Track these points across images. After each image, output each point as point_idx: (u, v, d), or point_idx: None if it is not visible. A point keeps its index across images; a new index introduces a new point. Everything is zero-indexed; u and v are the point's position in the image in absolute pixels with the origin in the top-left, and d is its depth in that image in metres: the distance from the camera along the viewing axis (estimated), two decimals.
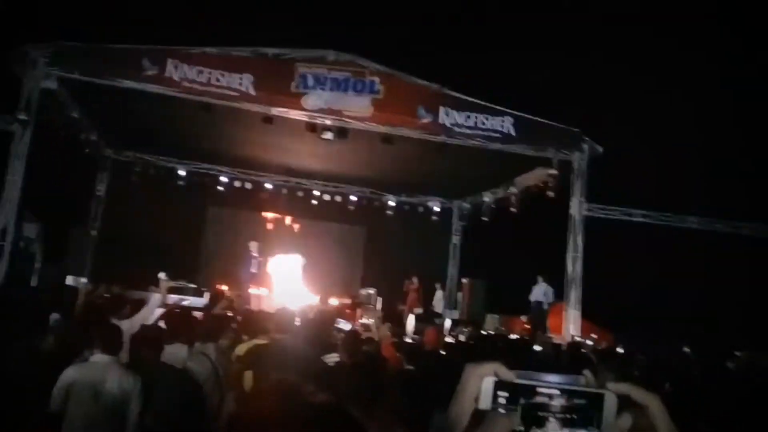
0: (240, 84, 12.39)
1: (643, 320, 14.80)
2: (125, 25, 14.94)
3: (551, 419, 0.83)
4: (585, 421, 0.84)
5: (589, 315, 13.96)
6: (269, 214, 18.49)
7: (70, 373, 3.68)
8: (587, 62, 19.01)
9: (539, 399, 0.84)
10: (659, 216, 14.66)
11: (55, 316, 4.80)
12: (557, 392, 0.84)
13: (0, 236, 11.23)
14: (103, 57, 11.99)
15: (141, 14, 16.34)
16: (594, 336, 14.01)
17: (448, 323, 14.67)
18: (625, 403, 0.85)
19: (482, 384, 0.83)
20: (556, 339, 12.76)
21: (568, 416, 0.83)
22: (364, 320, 12.68)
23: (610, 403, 0.84)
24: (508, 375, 0.84)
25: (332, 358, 4.80)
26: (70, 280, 11.87)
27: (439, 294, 17.26)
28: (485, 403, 0.83)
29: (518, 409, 0.83)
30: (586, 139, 13.81)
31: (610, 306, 15.22)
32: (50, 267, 13.09)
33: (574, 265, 13.67)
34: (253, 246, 14.81)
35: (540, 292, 14.61)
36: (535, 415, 0.83)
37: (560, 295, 13.90)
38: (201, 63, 12.30)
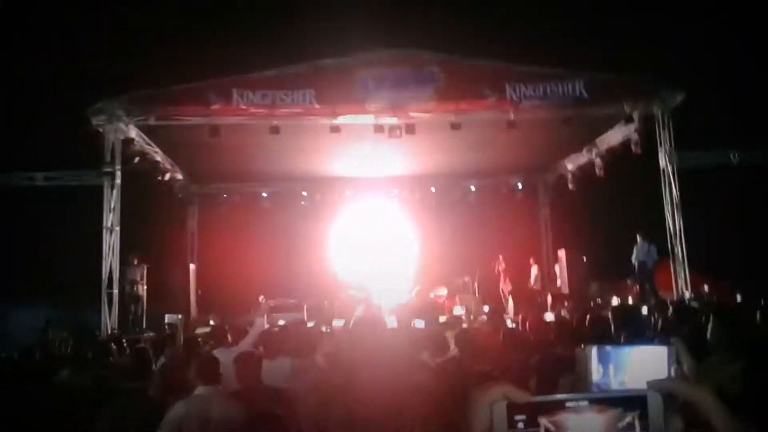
0: (303, 99, 12.58)
1: (756, 267, 13.84)
2: (186, 63, 15.47)
3: None
4: (628, 428, 0.73)
5: (698, 268, 13.24)
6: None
7: (177, 410, 3.80)
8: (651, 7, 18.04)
9: (564, 415, 0.73)
10: (756, 155, 13.67)
11: (161, 359, 5.01)
12: (585, 403, 0.73)
13: (107, 284, 11.90)
14: (172, 98, 12.51)
15: (201, 51, 16.91)
16: (706, 288, 13.31)
17: (549, 299, 14.33)
18: (673, 403, 0.74)
19: (493, 411, 0.74)
20: (667, 298, 12.19)
21: (607, 428, 0.72)
22: (456, 311, 12.59)
23: (655, 404, 0.73)
24: (521, 396, 0.74)
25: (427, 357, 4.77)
26: (169, 318, 12.42)
27: (534, 270, 16.89)
28: (500, 429, 0.73)
29: (541, 429, 0.73)
30: (664, 86, 13.07)
31: (720, 257, 14.35)
32: (156, 306, 13.74)
33: (674, 219, 13.00)
34: None
35: (643, 251, 13.94)
36: None
37: (664, 251, 13.25)
38: (263, 86, 12.57)
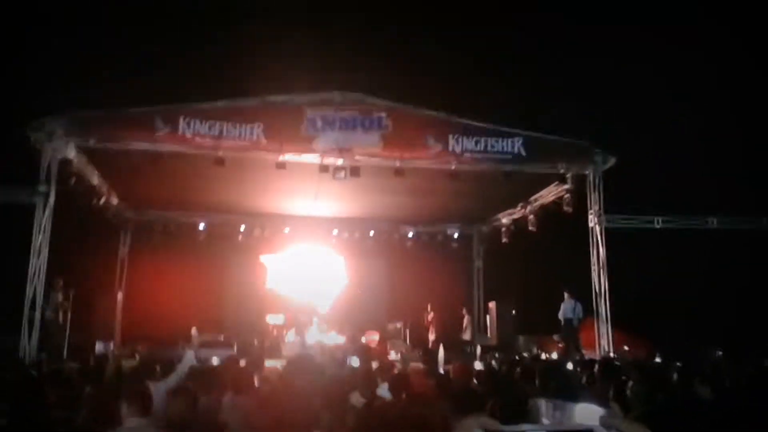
0: (251, 133, 12.62)
1: (677, 327, 14.57)
2: (136, 88, 15.32)
3: None
4: None
5: (621, 326, 13.78)
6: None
7: None
8: (591, 74, 19.09)
9: None
10: (680, 220, 14.53)
11: (88, 389, 4.87)
12: None
13: (29, 307, 11.42)
14: (116, 122, 12.29)
15: (151, 75, 16.78)
16: (626, 348, 13.83)
17: (479, 350, 14.58)
18: None
19: None
20: (589, 355, 12.62)
21: None
22: (391, 355, 12.67)
23: None
24: (494, 425, 0.89)
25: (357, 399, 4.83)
26: (99, 346, 12.01)
27: (466, 320, 17.21)
28: None
29: None
30: (598, 150, 13.79)
31: (642, 316, 15.02)
32: (80, 334, 13.24)
33: (599, 278, 13.55)
34: None
35: (569, 308, 14.46)
36: None
37: (590, 309, 13.76)
38: (212, 117, 12.54)
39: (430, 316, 16.84)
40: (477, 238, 19.87)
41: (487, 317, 17.57)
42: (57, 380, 4.93)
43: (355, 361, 9.04)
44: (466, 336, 16.80)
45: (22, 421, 4.16)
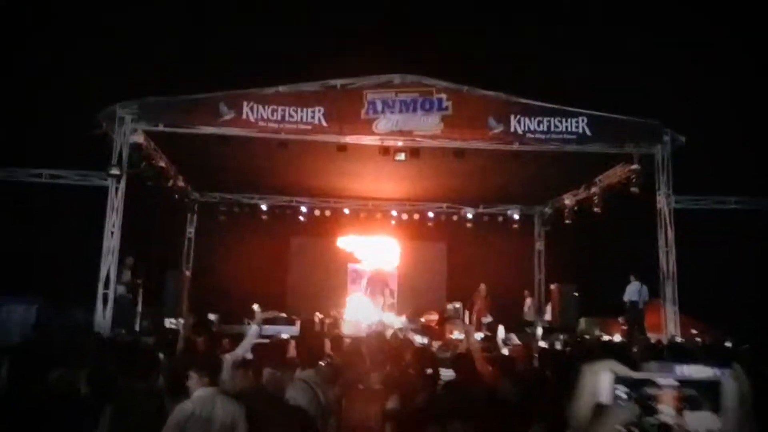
0: (312, 117, 12.78)
1: (747, 311, 14.02)
2: (201, 75, 15.71)
3: (664, 407, 0.89)
4: (701, 406, 0.89)
5: (688, 310, 13.39)
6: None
7: (183, 408, 3.90)
8: (660, 52, 18.41)
9: (653, 390, 0.90)
10: (753, 201, 13.94)
11: (163, 360, 5.09)
12: (673, 383, 0.90)
13: (104, 285, 11.96)
14: (183, 107, 12.70)
15: (215, 63, 17.16)
16: (695, 331, 13.44)
17: (539, 331, 14.43)
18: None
19: (600, 380, 0.91)
20: (655, 338, 12.33)
21: (683, 405, 0.89)
22: (454, 335, 12.70)
23: (729, 389, 0.89)
24: (624, 370, 0.91)
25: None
26: (168, 322, 12.45)
27: (528, 301, 17.03)
28: (605, 397, 0.90)
29: (634, 401, 0.89)
30: (667, 130, 13.34)
31: (710, 300, 14.53)
32: (151, 310, 13.80)
33: (667, 261, 13.17)
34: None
35: (634, 291, 14.14)
36: (647, 405, 0.89)
37: (656, 292, 13.41)
38: (274, 102, 12.77)
39: (481, 293, 16.61)
40: (539, 219, 19.58)
41: (548, 301, 17.33)
42: (135, 351, 5.16)
43: (419, 339, 9.13)
44: (528, 317, 16.64)
45: (101, 388, 4.38)
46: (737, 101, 18.00)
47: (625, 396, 0.91)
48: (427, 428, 3.70)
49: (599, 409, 0.90)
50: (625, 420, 0.89)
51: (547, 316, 16.73)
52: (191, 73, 15.74)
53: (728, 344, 10.99)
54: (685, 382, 0.91)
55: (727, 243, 15.77)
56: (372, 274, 16.18)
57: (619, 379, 0.92)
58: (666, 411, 0.90)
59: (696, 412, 0.90)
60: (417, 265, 18.46)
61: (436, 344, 10.96)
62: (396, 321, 14.94)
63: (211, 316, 13.58)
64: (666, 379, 0.91)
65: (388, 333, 10.18)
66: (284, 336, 8.53)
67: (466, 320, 15.95)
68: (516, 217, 18.72)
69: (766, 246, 15.77)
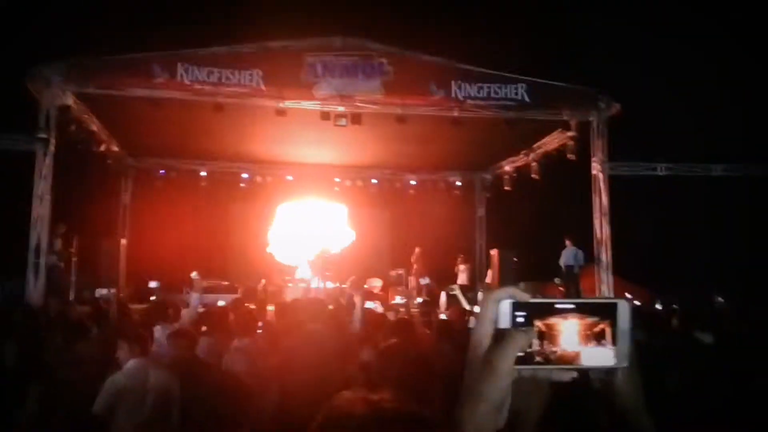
0: (250, 80, 12.47)
1: (677, 275, 14.68)
2: (133, 33, 15.05)
3: (565, 336, 0.90)
4: (600, 335, 0.90)
5: (621, 274, 13.89)
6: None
7: (116, 378, 3.81)
8: (594, 18, 18.69)
9: (554, 318, 0.90)
10: (684, 168, 14.46)
11: (95, 331, 4.96)
12: (572, 306, 0.90)
13: (35, 254, 11.52)
14: (114, 68, 12.16)
15: (148, 20, 16.46)
16: (628, 294, 13.96)
17: (479, 296, 14.71)
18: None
19: (500, 306, 0.90)
20: None
21: (584, 332, 0.90)
22: (396, 300, 12.83)
23: (623, 311, 0.91)
24: (524, 296, 0.91)
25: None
26: (101, 291, 12.13)
27: (461, 267, 17.19)
28: (504, 323, 0.90)
29: (534, 327, 0.90)
30: (602, 97, 13.62)
31: (643, 263, 15.12)
32: (84, 279, 13.39)
33: (601, 226, 13.58)
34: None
35: (570, 255, 14.57)
36: (549, 332, 0.90)
37: (591, 258, 13.85)
38: (210, 63, 12.39)
39: (417, 259, 16.80)
40: (479, 185, 19.84)
41: (489, 265, 17.65)
42: (65, 322, 5.01)
43: (370, 305, 9.14)
44: (460, 282, 16.81)
45: (30, 361, 4.24)
46: (669, 67, 18.53)
47: (523, 321, 0.91)
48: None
49: (498, 335, 0.90)
50: (524, 345, 0.89)
51: (488, 281, 17.06)
52: (122, 31, 15.07)
53: (658, 306, 11.50)
54: (580, 305, 0.92)
55: (660, 208, 16.38)
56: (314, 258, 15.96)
57: (519, 305, 0.91)
58: (567, 340, 0.91)
59: (595, 347, 0.91)
60: (360, 231, 18.46)
61: (379, 308, 11.05)
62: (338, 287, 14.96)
63: (152, 284, 13.31)
64: (564, 305, 0.92)
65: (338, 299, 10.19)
66: (221, 303, 8.38)
67: (411, 285, 16.15)
68: (458, 183, 18.92)
69: (696, 211, 16.48)
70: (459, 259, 17.15)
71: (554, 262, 14.68)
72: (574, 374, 0.95)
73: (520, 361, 0.91)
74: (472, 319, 6.62)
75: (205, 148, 16.47)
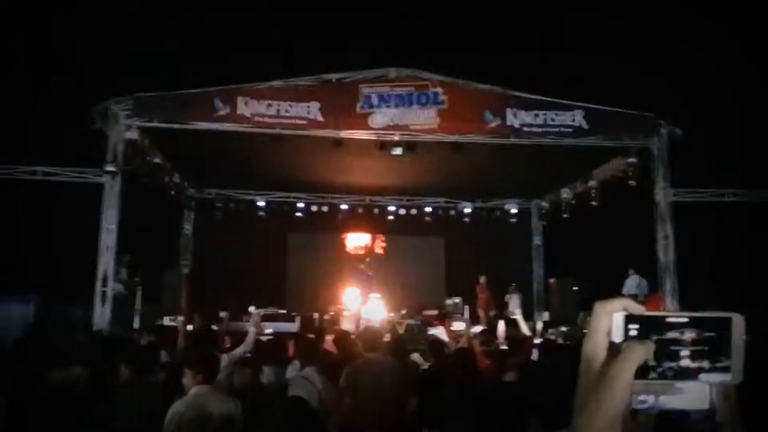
0: (308, 112, 12.72)
1: (747, 304, 14.02)
2: (194, 69, 15.60)
3: (684, 352, 0.86)
4: (715, 351, 0.86)
5: (688, 303, 13.39)
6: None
7: (177, 408, 3.86)
8: (655, 44, 18.37)
9: (671, 333, 0.87)
10: (751, 194, 13.95)
11: (164, 354, 5.06)
12: (686, 320, 0.87)
13: (102, 283, 11.90)
14: (177, 103, 12.61)
15: (209, 57, 17.06)
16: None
17: (539, 325, 14.40)
18: None
19: (613, 319, 0.88)
20: None
21: (698, 348, 0.86)
22: (454, 327, 12.68)
23: (738, 325, 0.87)
24: (638, 308, 0.88)
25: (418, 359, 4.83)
26: (166, 320, 12.40)
27: (512, 296, 16.84)
28: (617, 336, 0.87)
29: (652, 342, 0.86)
30: (664, 123, 13.32)
31: (710, 292, 14.53)
32: (149, 308, 13.73)
33: (666, 253, 13.17)
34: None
35: (633, 284, 14.13)
36: (668, 349, 0.86)
37: (655, 286, 13.41)
38: (269, 97, 12.71)
39: (483, 288, 16.61)
40: (536, 213, 19.56)
41: (548, 294, 17.29)
42: (137, 348, 5.13)
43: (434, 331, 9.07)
44: (511, 312, 16.45)
45: (101, 384, 4.34)
46: (733, 93, 17.98)
47: (637, 335, 0.88)
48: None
49: (614, 347, 0.87)
50: (643, 357, 0.86)
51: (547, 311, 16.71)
52: (184, 68, 15.63)
53: None
54: (695, 319, 0.88)
55: (725, 235, 15.77)
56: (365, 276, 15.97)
57: (632, 318, 0.88)
58: (684, 355, 0.87)
59: (708, 362, 0.86)
60: (415, 260, 18.41)
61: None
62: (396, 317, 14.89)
63: (222, 314, 13.45)
64: (678, 318, 0.88)
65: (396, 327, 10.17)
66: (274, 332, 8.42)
67: (466, 315, 15.95)
68: (513, 211, 18.71)
69: (762, 237, 15.78)
70: (510, 288, 16.87)
71: (617, 291, 14.26)
72: (706, 405, 0.88)
73: (638, 375, 0.86)
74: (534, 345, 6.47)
75: (263, 179, 16.85)
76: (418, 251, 18.75)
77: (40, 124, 14.64)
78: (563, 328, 12.87)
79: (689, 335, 0.87)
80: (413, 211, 18.47)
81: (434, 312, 15.89)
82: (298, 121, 12.71)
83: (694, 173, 14.22)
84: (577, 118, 13.14)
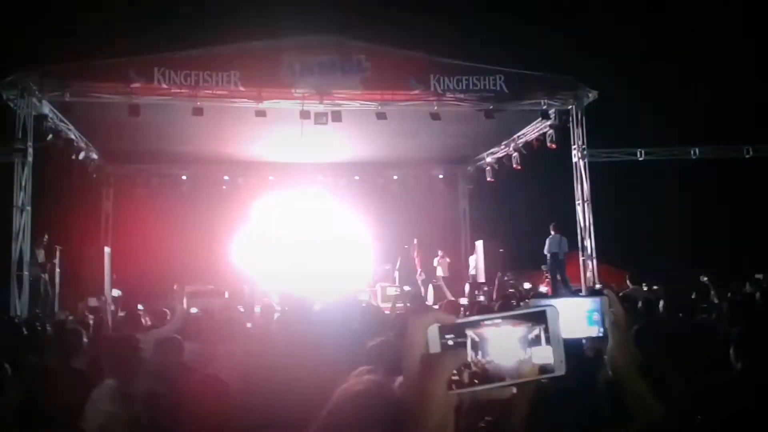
0: (228, 81, 12.40)
1: (661, 259, 14.82)
2: (108, 38, 14.90)
3: (496, 343, 0.91)
4: (535, 341, 0.93)
5: (605, 260, 14.01)
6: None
7: (103, 387, 3.77)
8: (570, 7, 18.80)
9: (485, 329, 0.92)
10: (662, 152, 14.63)
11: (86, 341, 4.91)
12: (499, 321, 0.92)
13: (18, 266, 11.39)
14: (89, 75, 12.03)
15: (122, 25, 16.33)
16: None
17: (466, 288, 14.79)
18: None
19: (428, 333, 0.91)
20: (576, 288, 12.87)
21: (521, 338, 0.92)
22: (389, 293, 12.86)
23: (553, 316, 0.93)
24: (449, 319, 0.92)
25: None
26: (92, 301, 12.04)
27: (439, 260, 17.16)
28: (434, 348, 0.91)
29: (468, 338, 0.91)
30: (580, 85, 13.71)
31: (626, 248, 15.26)
32: (70, 290, 13.27)
33: (584, 213, 13.69)
34: None
35: (555, 243, 14.62)
36: (482, 341, 0.91)
37: (575, 244, 13.95)
38: (187, 66, 12.29)
39: (416, 250, 16.88)
40: (462, 178, 19.89)
41: (471, 258, 17.69)
42: (60, 332, 4.97)
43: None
44: (439, 274, 16.81)
45: (23, 371, 4.19)
46: (642, 55, 18.69)
47: (452, 343, 0.93)
48: None
49: (426, 360, 0.91)
50: (453, 366, 0.90)
51: (471, 272, 17.10)
52: (97, 37, 14.90)
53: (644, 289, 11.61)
54: (508, 317, 0.94)
55: (641, 194, 16.54)
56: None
57: (446, 328, 0.93)
58: (504, 349, 0.93)
59: (541, 347, 0.93)
60: (348, 226, 18.43)
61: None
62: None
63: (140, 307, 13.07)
64: (493, 320, 0.94)
65: None
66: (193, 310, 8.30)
67: (395, 281, 16.18)
68: (440, 177, 18.96)
69: (676, 194, 16.66)
70: (439, 253, 17.17)
71: (540, 250, 14.76)
72: (513, 390, 0.94)
73: (458, 384, 0.91)
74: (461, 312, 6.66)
75: (185, 152, 16.36)
76: (348, 219, 18.75)
77: None
78: (484, 289, 13.23)
79: (506, 327, 0.92)
80: (341, 180, 18.43)
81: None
82: (218, 91, 12.38)
83: (609, 134, 14.79)
84: (498, 82, 13.35)
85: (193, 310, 9.11)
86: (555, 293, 12.65)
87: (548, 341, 0.92)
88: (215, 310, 7.55)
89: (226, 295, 13.37)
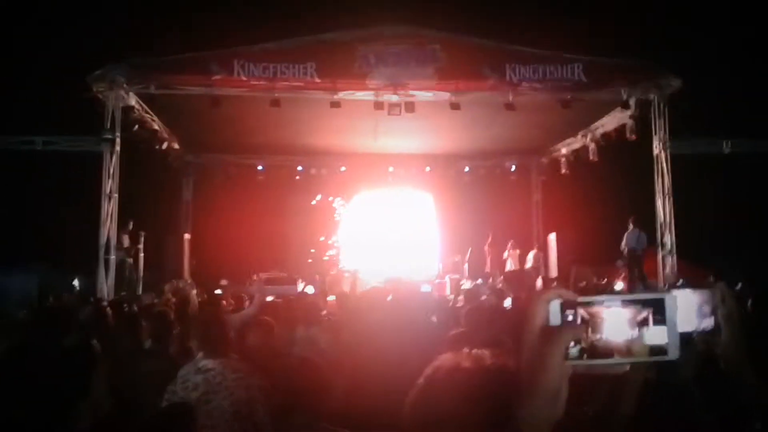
0: (304, 73, 12.59)
1: (743, 256, 14.12)
2: (191, 33, 15.41)
3: (609, 323, 0.96)
4: (643, 323, 0.96)
5: (685, 256, 13.47)
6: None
7: (183, 372, 3.90)
8: None
9: (598, 308, 0.96)
10: (750, 144, 13.89)
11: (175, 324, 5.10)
12: (619, 303, 0.96)
13: (104, 250, 11.97)
14: (173, 68, 12.46)
15: (204, 20, 16.84)
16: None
17: (539, 282, 14.54)
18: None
19: (550, 307, 0.96)
20: (654, 283, 12.46)
21: (631, 320, 0.96)
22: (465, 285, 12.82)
23: (671, 304, 0.97)
24: (572, 296, 0.97)
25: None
26: (169, 286, 12.54)
27: (510, 253, 16.96)
28: (555, 321, 0.96)
29: (582, 321, 0.96)
30: (663, 72, 13.14)
31: (707, 245, 14.63)
32: (151, 274, 13.84)
33: (664, 207, 13.20)
34: None
35: (633, 237, 14.17)
36: (592, 321, 0.96)
37: (653, 238, 13.47)
38: (265, 59, 12.55)
39: (488, 245, 16.78)
40: (535, 169, 19.53)
41: (537, 251, 17.35)
42: (149, 316, 5.19)
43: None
44: (509, 268, 16.61)
45: (114, 351, 4.40)
46: (731, 45, 17.80)
47: (571, 318, 0.98)
48: None
49: (548, 331, 0.96)
50: (571, 339, 0.95)
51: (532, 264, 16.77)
52: (178, 32, 15.43)
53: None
54: (628, 302, 0.99)
55: (726, 187, 15.79)
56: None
57: (568, 303, 0.98)
58: (614, 328, 0.97)
59: (649, 328, 0.97)
60: (421, 216, 18.47)
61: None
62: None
63: (223, 282, 13.55)
64: (612, 301, 0.98)
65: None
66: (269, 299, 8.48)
67: (465, 273, 16.10)
68: (513, 168, 18.69)
69: (761, 189, 15.81)
70: (509, 245, 16.97)
71: (616, 245, 14.34)
72: (626, 368, 1.01)
73: (574, 356, 0.97)
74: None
75: (262, 143, 16.75)
76: (421, 210, 18.77)
77: (36, 92, 14.55)
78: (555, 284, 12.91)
79: (615, 309, 0.97)
80: (413, 171, 18.45)
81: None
82: (294, 83, 12.58)
83: (693, 125, 14.15)
84: (576, 71, 12.98)
85: (269, 298, 9.36)
86: (632, 290, 12.27)
87: (656, 323, 0.97)
88: (292, 298, 7.73)
89: (300, 282, 13.65)
